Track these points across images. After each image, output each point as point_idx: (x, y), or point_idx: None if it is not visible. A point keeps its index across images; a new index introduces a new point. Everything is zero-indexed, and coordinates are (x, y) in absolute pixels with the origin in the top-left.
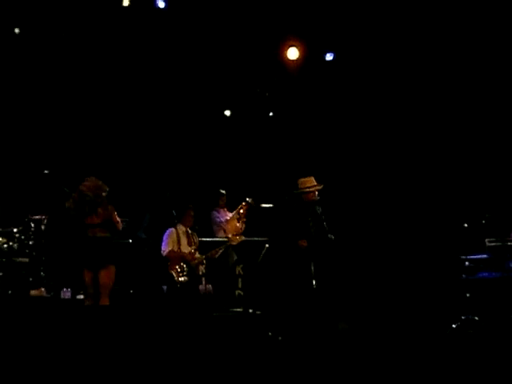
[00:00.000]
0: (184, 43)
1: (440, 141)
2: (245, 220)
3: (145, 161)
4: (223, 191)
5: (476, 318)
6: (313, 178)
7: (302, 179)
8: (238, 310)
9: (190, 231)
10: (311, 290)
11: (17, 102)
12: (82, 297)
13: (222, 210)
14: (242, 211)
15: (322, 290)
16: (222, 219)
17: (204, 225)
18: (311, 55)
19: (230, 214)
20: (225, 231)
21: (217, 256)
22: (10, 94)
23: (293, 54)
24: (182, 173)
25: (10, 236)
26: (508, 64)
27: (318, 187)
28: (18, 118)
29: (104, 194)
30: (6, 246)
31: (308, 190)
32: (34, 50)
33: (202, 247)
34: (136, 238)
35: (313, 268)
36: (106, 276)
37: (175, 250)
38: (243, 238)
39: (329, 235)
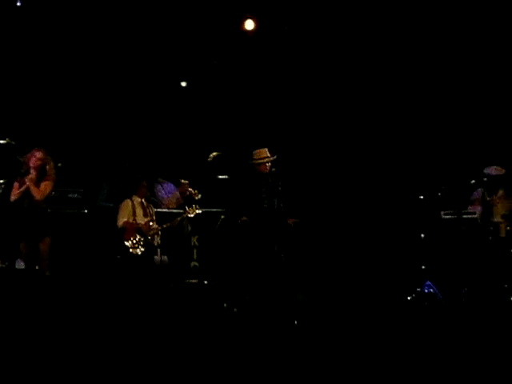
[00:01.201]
0: (139, 11)
1: (394, 112)
2: (181, 202)
3: (101, 131)
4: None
5: (431, 291)
6: (266, 150)
7: (256, 150)
8: (194, 281)
9: (145, 202)
10: (268, 261)
11: None
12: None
13: (165, 183)
14: (186, 189)
15: (279, 262)
16: (165, 195)
17: None
18: (268, 27)
19: (173, 188)
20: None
21: (176, 225)
22: None
23: (249, 25)
24: (138, 143)
25: None
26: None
27: (270, 158)
28: None
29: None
30: None
31: (261, 161)
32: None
33: (158, 218)
34: (99, 207)
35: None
36: (43, 246)
37: (130, 221)
38: (199, 210)
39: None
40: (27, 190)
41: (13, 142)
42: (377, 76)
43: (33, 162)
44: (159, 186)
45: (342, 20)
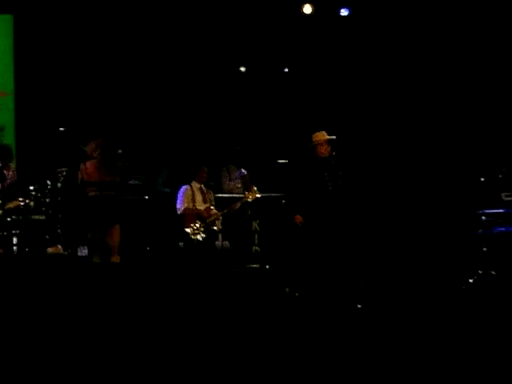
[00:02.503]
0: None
1: (458, 95)
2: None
3: (161, 117)
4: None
5: (493, 273)
6: (324, 132)
7: (315, 133)
8: (255, 266)
9: (204, 188)
10: (330, 246)
11: (38, 62)
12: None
13: (233, 170)
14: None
15: (341, 247)
16: (230, 181)
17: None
18: (326, 10)
19: (239, 175)
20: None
21: (235, 210)
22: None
23: (308, 9)
24: (197, 129)
25: (26, 194)
26: None
27: (327, 139)
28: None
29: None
30: (22, 204)
31: (319, 141)
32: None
33: (218, 204)
34: (157, 192)
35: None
36: (114, 234)
37: (190, 207)
38: (259, 195)
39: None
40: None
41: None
42: (435, 59)
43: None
44: (226, 172)
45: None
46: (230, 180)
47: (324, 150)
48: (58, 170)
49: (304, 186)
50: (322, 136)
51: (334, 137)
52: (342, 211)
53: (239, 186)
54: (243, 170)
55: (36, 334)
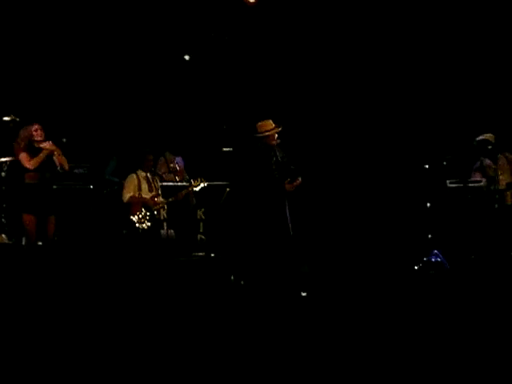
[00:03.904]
0: None
1: (402, 83)
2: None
3: (106, 105)
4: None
5: (438, 260)
6: (271, 121)
7: (260, 123)
8: (201, 254)
9: (150, 176)
10: (278, 234)
11: None
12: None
13: (171, 158)
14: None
15: (289, 234)
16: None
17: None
18: None
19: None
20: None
21: (181, 198)
22: None
23: None
24: (142, 117)
25: None
26: None
27: (277, 129)
28: None
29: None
30: None
31: (268, 133)
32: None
33: (164, 192)
34: (106, 181)
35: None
36: (50, 224)
37: (136, 195)
38: (204, 183)
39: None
40: (48, 161)
41: (17, 119)
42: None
43: (41, 135)
44: (164, 162)
45: None
46: (169, 171)
47: (273, 139)
48: (2, 159)
49: (252, 175)
50: (271, 125)
51: (281, 127)
52: (287, 199)
53: (176, 177)
54: (181, 160)
55: None
